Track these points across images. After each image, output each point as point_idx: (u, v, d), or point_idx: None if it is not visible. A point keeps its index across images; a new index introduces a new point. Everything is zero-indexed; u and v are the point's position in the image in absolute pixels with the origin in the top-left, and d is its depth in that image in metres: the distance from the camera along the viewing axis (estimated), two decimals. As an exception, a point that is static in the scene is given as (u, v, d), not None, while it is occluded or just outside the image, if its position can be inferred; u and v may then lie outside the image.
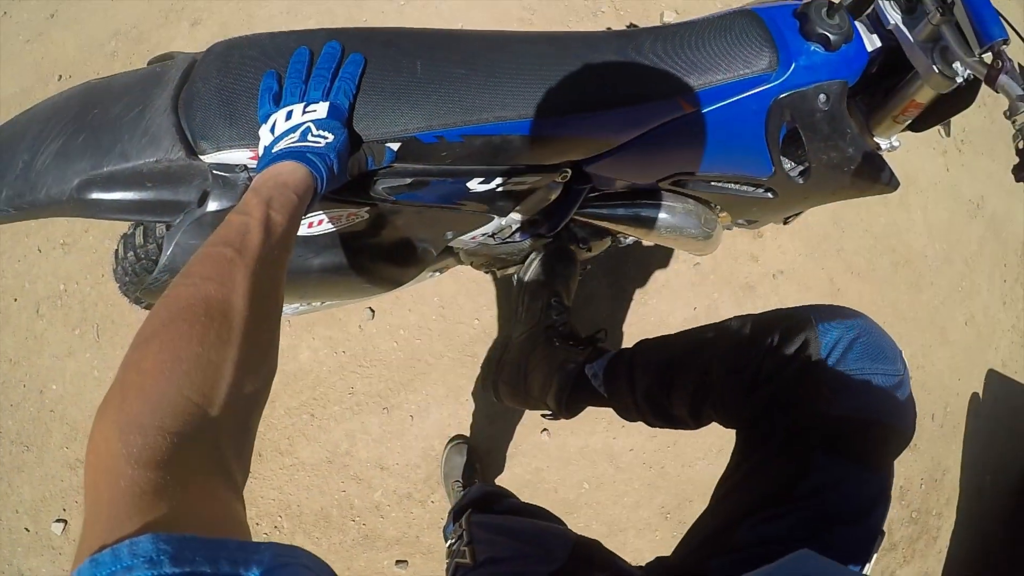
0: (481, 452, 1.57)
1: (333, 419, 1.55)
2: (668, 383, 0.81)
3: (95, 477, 0.33)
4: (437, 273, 1.28)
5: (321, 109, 0.61)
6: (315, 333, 1.58)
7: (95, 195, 0.69)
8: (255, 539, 0.31)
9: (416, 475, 1.55)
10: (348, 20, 1.79)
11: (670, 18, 1.87)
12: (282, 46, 0.67)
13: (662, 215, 1.01)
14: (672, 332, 0.89)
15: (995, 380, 1.96)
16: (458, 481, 1.49)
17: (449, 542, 0.79)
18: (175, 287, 0.42)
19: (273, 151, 0.58)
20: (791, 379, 0.65)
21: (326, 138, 0.59)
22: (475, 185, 0.78)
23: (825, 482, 0.60)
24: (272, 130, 0.60)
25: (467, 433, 1.59)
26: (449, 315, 1.64)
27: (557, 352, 1.04)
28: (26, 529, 1.48)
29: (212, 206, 0.70)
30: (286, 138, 0.59)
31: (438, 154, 0.71)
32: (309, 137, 0.58)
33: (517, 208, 0.91)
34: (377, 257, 0.89)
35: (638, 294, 1.72)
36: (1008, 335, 2.02)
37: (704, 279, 1.77)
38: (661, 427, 0.89)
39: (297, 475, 1.51)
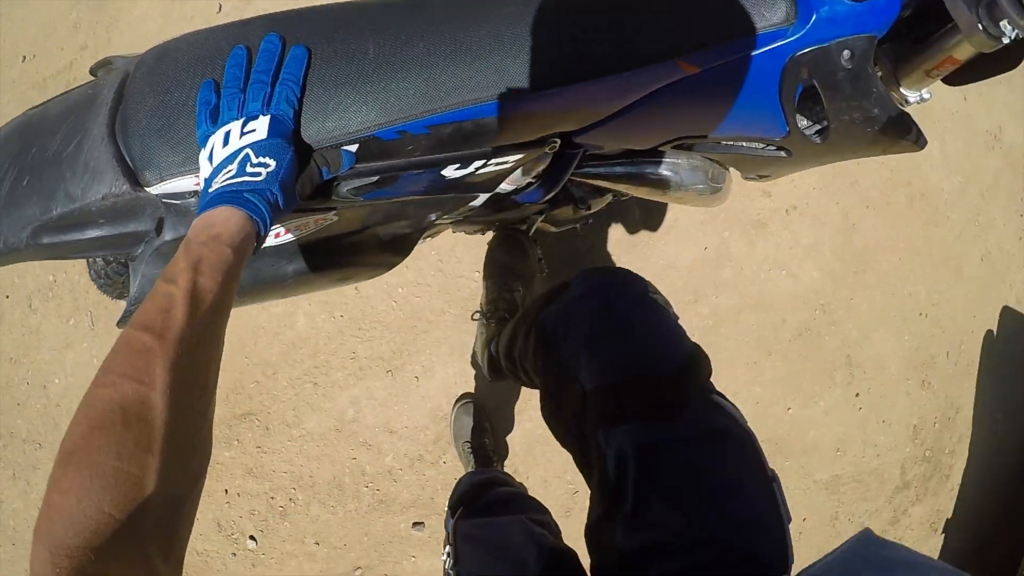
0: (489, 410, 1.56)
1: (337, 386, 1.54)
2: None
3: None
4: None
5: (261, 127, 0.53)
6: (310, 298, 1.55)
7: (50, 240, 0.64)
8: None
9: (426, 436, 1.56)
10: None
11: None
12: (217, 46, 0.59)
13: (666, 173, 0.93)
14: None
15: (1009, 317, 1.91)
16: (468, 442, 1.49)
17: (443, 558, 0.83)
18: (95, 387, 0.40)
19: (210, 191, 0.51)
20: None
21: (267, 166, 0.51)
22: (451, 172, 0.71)
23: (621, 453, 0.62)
24: (210, 158, 0.53)
25: (474, 391, 1.58)
26: (448, 269, 1.59)
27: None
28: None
29: (169, 235, 0.65)
30: (223, 172, 0.51)
31: (403, 149, 0.63)
32: (248, 169, 0.51)
33: (504, 183, 0.84)
34: (356, 251, 0.83)
35: (646, 237, 1.66)
36: (1023, 271, 1.96)
37: (714, 218, 1.69)
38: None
39: (306, 446, 1.52)
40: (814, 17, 0.62)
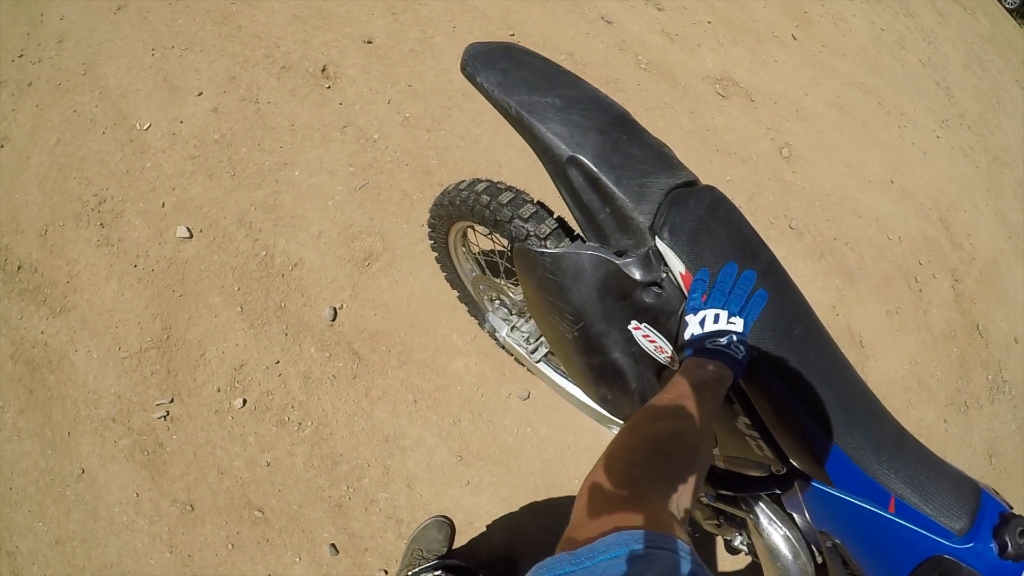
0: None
1: (424, 418, 1.75)
2: None
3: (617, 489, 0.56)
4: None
5: (739, 324, 0.80)
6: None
7: (573, 173, 0.85)
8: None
9: (413, 520, 1.65)
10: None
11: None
12: (737, 246, 0.86)
13: (772, 533, 1.06)
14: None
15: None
16: (420, 551, 1.52)
17: None
18: (659, 398, 0.71)
19: (707, 344, 0.79)
20: None
21: (741, 351, 0.78)
22: (742, 419, 0.95)
23: None
24: (702, 324, 0.81)
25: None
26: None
27: None
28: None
29: (622, 263, 0.86)
30: (715, 337, 0.79)
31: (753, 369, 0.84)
32: (731, 346, 0.78)
33: (720, 450, 1.06)
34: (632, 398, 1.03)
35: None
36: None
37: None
38: None
39: (355, 422, 1.72)
40: (972, 544, 0.77)
